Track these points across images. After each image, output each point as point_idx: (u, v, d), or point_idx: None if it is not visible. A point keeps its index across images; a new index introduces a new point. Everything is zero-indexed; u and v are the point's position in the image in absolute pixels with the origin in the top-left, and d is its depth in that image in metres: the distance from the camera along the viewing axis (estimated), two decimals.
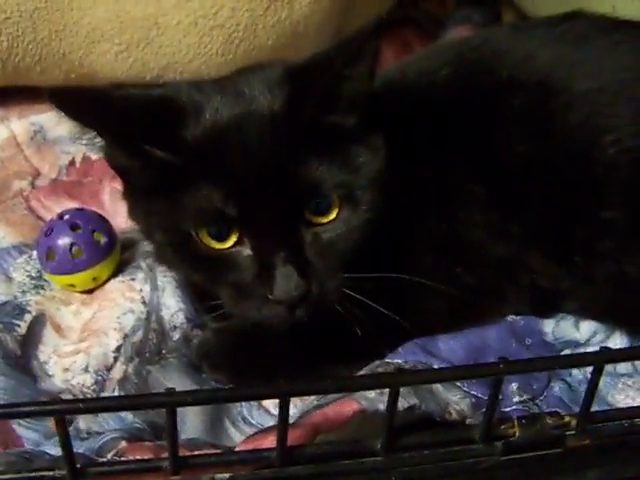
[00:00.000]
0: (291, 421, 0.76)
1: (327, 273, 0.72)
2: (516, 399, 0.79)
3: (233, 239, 0.71)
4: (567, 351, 0.86)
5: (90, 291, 0.93)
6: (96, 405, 0.56)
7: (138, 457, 0.64)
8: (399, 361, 0.79)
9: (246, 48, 1.21)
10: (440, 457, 0.64)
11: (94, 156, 1.15)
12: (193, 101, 0.73)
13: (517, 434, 0.65)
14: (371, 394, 0.69)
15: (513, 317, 0.87)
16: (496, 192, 0.83)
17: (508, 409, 0.78)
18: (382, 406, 0.68)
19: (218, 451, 0.65)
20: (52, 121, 1.16)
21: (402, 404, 0.68)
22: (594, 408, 0.77)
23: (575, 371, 0.84)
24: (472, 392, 0.77)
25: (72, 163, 1.14)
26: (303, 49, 1.25)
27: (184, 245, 0.73)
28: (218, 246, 0.72)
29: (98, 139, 1.09)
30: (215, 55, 1.20)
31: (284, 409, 0.57)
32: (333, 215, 0.72)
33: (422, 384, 0.68)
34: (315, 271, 0.71)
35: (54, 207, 1.05)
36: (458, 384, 0.77)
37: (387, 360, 0.80)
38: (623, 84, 0.83)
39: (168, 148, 0.70)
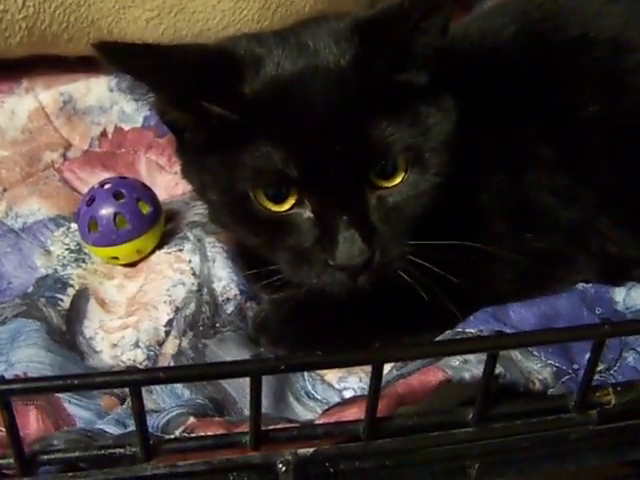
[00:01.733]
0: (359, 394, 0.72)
1: (392, 239, 0.68)
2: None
3: (291, 201, 0.67)
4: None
5: (133, 264, 0.88)
6: (177, 374, 0.51)
7: (210, 433, 0.60)
8: (472, 330, 0.75)
9: (283, 14, 1.16)
10: (533, 427, 0.60)
11: (126, 126, 1.11)
12: (253, 54, 0.68)
13: (612, 402, 0.61)
14: (455, 362, 0.65)
15: (583, 285, 0.82)
16: (566, 154, 0.78)
17: None
18: (467, 375, 0.64)
19: (298, 425, 0.60)
20: (81, 91, 1.11)
21: None
22: None
23: None
24: (549, 361, 0.73)
25: (104, 134, 1.09)
26: None
27: (240, 206, 0.68)
28: (276, 208, 0.67)
29: (129, 109, 1.09)
30: (250, 21, 1.15)
31: (376, 376, 0.53)
32: (399, 179, 0.68)
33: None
34: (379, 237, 0.67)
35: (89, 179, 1.00)
36: (536, 353, 0.73)
37: (459, 329, 0.76)
38: None
39: (226, 103, 0.65)
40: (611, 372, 0.76)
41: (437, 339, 0.74)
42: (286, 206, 0.67)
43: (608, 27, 0.80)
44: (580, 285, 0.82)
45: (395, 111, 0.66)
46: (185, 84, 0.65)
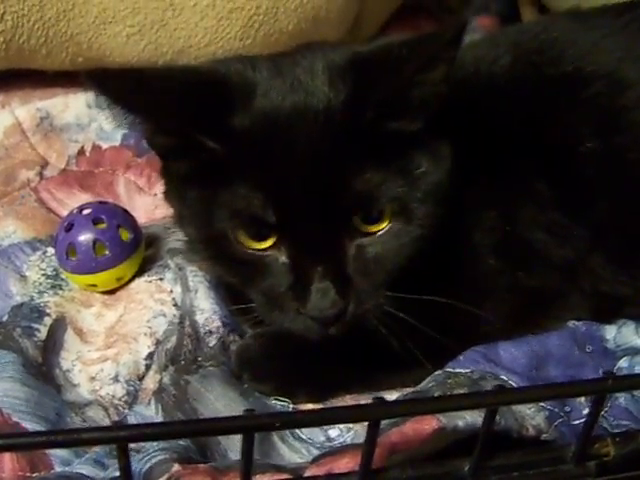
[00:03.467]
0: (347, 436, 0.70)
1: (368, 291, 0.66)
2: (585, 411, 0.73)
3: (270, 241, 0.65)
4: (627, 358, 0.81)
5: (112, 291, 0.85)
6: (166, 430, 0.48)
7: None
8: (462, 370, 0.74)
9: (266, 32, 1.14)
10: (530, 479, 0.59)
11: (105, 144, 1.07)
12: (245, 82, 0.65)
13: (612, 453, 0.59)
14: None
15: (574, 323, 0.81)
16: (561, 191, 0.77)
17: (577, 422, 0.72)
18: (461, 422, 0.62)
19: (289, 477, 0.58)
20: (58, 107, 1.08)
21: (480, 420, 0.63)
22: None
23: None
24: (541, 404, 0.71)
25: (82, 152, 1.06)
26: (324, 34, 1.19)
27: (217, 243, 0.67)
28: (254, 245, 0.65)
29: (108, 126, 1.06)
30: (233, 39, 1.12)
31: (372, 434, 0.51)
32: (383, 225, 0.66)
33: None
34: (355, 288, 0.65)
35: (66, 199, 0.97)
36: None
37: (448, 369, 0.74)
38: None
39: (213, 134, 0.63)
40: (603, 414, 0.75)
41: (428, 380, 0.72)
42: (265, 244, 0.65)
43: (604, 62, 0.79)
44: (571, 323, 0.81)
45: (384, 158, 0.64)
46: (175, 113, 0.63)
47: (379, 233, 0.66)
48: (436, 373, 0.73)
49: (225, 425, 0.49)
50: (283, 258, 0.65)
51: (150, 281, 0.85)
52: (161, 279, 0.84)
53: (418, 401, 0.58)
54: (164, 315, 0.80)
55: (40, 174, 1.01)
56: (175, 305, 0.81)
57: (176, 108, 0.63)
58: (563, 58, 0.80)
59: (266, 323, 0.74)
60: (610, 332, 0.82)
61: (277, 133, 0.63)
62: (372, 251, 0.65)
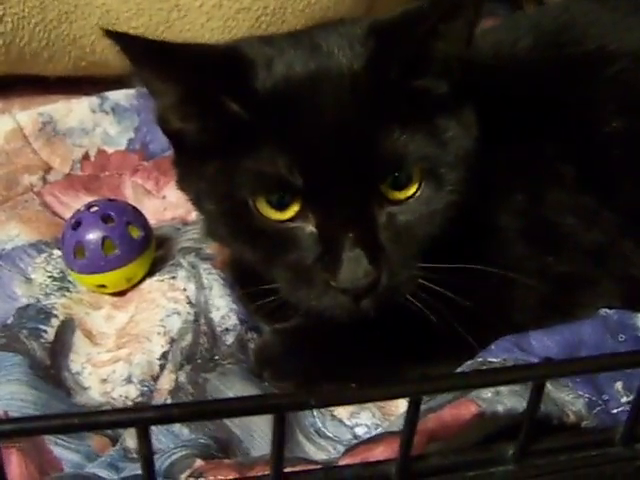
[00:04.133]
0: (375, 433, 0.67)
1: (401, 261, 0.63)
2: (623, 399, 0.70)
3: (294, 209, 0.61)
4: None
5: (122, 293, 0.82)
6: (193, 410, 0.45)
7: (221, 477, 0.53)
8: (494, 359, 0.70)
9: (274, 32, 1.11)
10: (577, 463, 0.55)
11: (110, 149, 1.04)
12: (264, 53, 0.63)
13: None
14: (487, 394, 0.59)
15: (606, 311, 0.77)
16: (588, 173, 0.74)
17: (615, 411, 0.69)
18: (500, 407, 0.59)
19: (319, 466, 0.54)
20: (61, 112, 1.05)
21: (522, 404, 0.59)
22: None
23: None
24: (580, 392, 0.68)
25: (86, 157, 1.03)
26: None
27: (238, 215, 0.63)
28: (277, 216, 0.62)
29: (113, 131, 1.04)
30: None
31: (414, 412, 0.47)
32: (412, 190, 0.63)
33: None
34: (387, 258, 0.61)
35: (72, 203, 0.94)
36: (568, 384, 0.68)
37: (480, 359, 0.70)
38: None
39: (238, 98, 0.61)
40: None
41: (461, 369, 0.68)
42: (289, 214, 0.61)
43: (628, 40, 0.77)
44: (602, 311, 0.77)
45: (411, 120, 0.61)
46: (198, 78, 0.61)
47: (410, 200, 0.62)
48: (468, 363, 0.69)
49: (257, 404, 0.45)
50: (310, 227, 0.61)
51: (162, 280, 0.81)
52: (173, 278, 0.81)
53: (463, 374, 0.53)
54: (178, 313, 0.77)
55: (43, 179, 0.99)
56: (189, 303, 0.78)
57: (201, 72, 0.61)
58: (585, 37, 0.78)
59: (287, 314, 0.70)
60: None
61: (301, 96, 0.61)
62: (403, 219, 0.62)
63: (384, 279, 0.61)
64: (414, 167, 0.62)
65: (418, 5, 0.62)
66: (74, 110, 1.05)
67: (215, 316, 0.77)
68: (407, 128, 0.61)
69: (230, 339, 0.76)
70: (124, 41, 0.58)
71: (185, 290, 0.79)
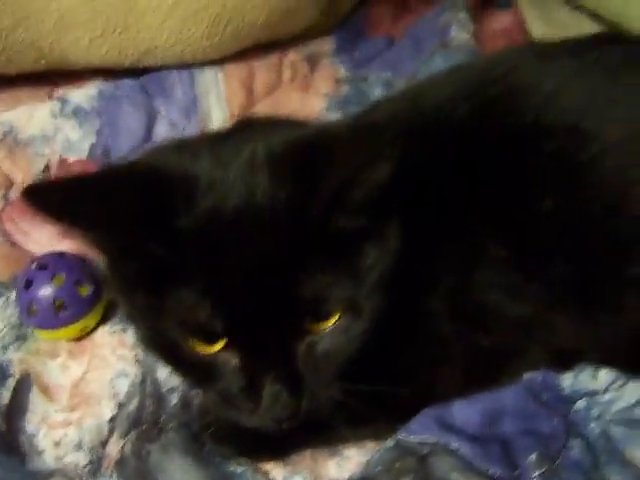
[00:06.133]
0: None
1: (320, 384, 0.65)
2: (536, 473, 0.75)
3: (221, 344, 0.63)
4: (584, 400, 0.82)
5: (78, 339, 0.86)
6: None
7: None
8: (412, 439, 0.75)
9: (234, 28, 1.10)
10: None
11: (71, 157, 1.05)
12: (186, 177, 0.62)
13: None
14: None
15: (530, 374, 0.81)
16: (518, 251, 0.75)
17: None
18: None
19: None
20: (22, 119, 1.05)
21: None
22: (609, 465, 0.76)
23: (593, 424, 0.80)
24: (490, 472, 0.74)
25: (48, 168, 1.04)
26: (295, 23, 1.17)
27: (168, 346, 0.65)
28: (205, 350, 0.63)
29: (74, 136, 1.04)
30: (200, 38, 1.09)
31: None
32: (332, 322, 0.64)
33: None
34: (307, 385, 0.64)
35: (32, 231, 0.96)
36: (477, 465, 0.74)
37: (401, 436, 0.76)
38: None
39: (157, 237, 0.60)
40: (554, 467, 0.76)
41: (377, 458, 0.74)
42: (215, 348, 0.63)
43: (566, 111, 0.75)
44: (526, 375, 0.81)
45: (331, 259, 0.62)
46: (118, 221, 0.60)
47: (328, 330, 0.64)
48: (387, 445, 0.75)
49: None
50: (234, 361, 0.64)
51: (114, 332, 0.86)
52: (124, 330, 0.85)
53: None
54: (126, 375, 0.82)
55: (5, 197, 1.00)
56: (137, 362, 0.82)
57: (119, 216, 0.60)
58: (524, 107, 0.76)
59: None
60: (567, 379, 0.82)
61: (221, 235, 0.60)
62: (321, 347, 0.64)
63: (304, 404, 0.64)
64: (334, 304, 0.63)
65: (339, 137, 0.61)
66: (35, 116, 1.05)
67: (161, 375, 0.82)
68: (328, 268, 0.61)
69: (174, 400, 0.81)
70: (33, 200, 0.57)
71: (133, 348, 0.83)
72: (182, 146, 0.68)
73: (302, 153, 0.62)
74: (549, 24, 1.37)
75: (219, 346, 0.63)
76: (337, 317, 0.64)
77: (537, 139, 0.75)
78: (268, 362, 0.62)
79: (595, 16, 1.35)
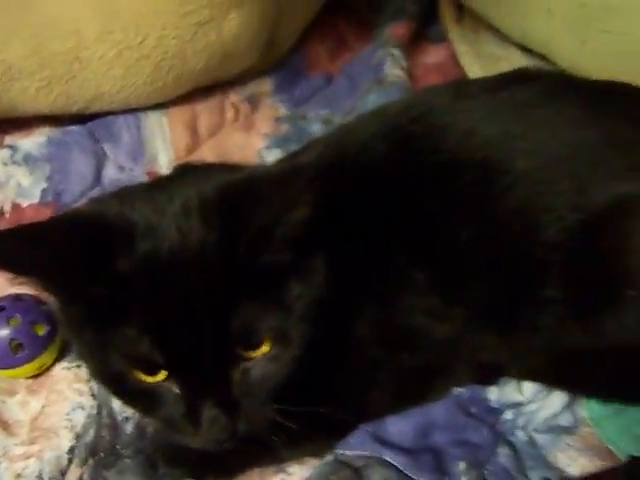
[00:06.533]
0: None
1: (255, 409, 0.71)
2: (464, 479, 0.82)
3: (162, 375, 0.69)
4: (510, 412, 0.89)
5: (36, 376, 0.91)
6: None
7: None
8: (350, 454, 0.82)
9: (176, 74, 1.16)
10: None
11: (24, 203, 1.10)
12: (125, 224, 0.68)
13: None
14: None
15: (458, 389, 0.88)
16: (438, 277, 0.82)
17: None
18: None
19: None
20: None
21: None
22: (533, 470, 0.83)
23: (519, 432, 0.87)
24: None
25: (1, 213, 1.09)
26: (235, 66, 1.22)
27: (115, 377, 0.70)
28: (148, 380, 0.69)
29: (26, 182, 1.09)
30: (143, 85, 1.15)
31: None
32: (264, 350, 0.70)
33: None
34: (243, 409, 0.70)
35: None
36: (410, 475, 0.81)
37: (339, 451, 0.82)
38: (561, 161, 0.82)
39: (99, 281, 0.66)
40: (484, 474, 0.83)
41: (316, 472, 0.80)
42: (158, 378, 0.69)
43: (478, 149, 0.82)
44: (455, 390, 0.88)
45: (259, 293, 0.67)
46: (61, 268, 0.66)
47: (261, 357, 0.70)
48: (326, 460, 0.81)
49: None
50: (175, 389, 0.69)
51: (69, 368, 0.90)
52: (79, 366, 0.90)
53: None
54: (82, 408, 0.86)
55: None
56: (92, 395, 0.88)
57: (62, 263, 0.65)
58: (439, 146, 0.83)
59: None
60: (493, 392, 0.89)
61: (158, 277, 0.66)
62: (255, 374, 0.70)
63: (241, 427, 0.70)
64: (264, 335, 0.69)
65: (263, 180, 0.68)
66: None
67: (116, 405, 0.87)
68: (256, 300, 0.67)
69: (129, 428, 0.86)
70: None
71: (89, 381, 0.88)
72: (122, 195, 0.74)
73: (230, 198, 0.68)
74: (480, 57, 1.43)
75: (161, 377, 0.69)
76: (268, 346, 0.70)
77: (454, 174, 0.82)
78: (206, 389, 0.68)
79: (524, 49, 1.44)
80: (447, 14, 1.46)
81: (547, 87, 0.88)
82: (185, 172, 0.77)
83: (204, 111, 1.22)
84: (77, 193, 1.12)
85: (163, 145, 1.17)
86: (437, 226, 0.82)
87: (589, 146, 0.83)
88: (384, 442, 0.83)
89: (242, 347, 0.69)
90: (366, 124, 0.90)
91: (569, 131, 0.84)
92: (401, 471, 0.81)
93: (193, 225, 0.67)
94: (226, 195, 0.69)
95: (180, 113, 1.20)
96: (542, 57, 1.42)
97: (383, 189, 0.82)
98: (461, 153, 0.83)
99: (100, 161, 1.15)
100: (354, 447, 0.82)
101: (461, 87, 0.91)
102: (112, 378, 0.71)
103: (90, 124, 1.18)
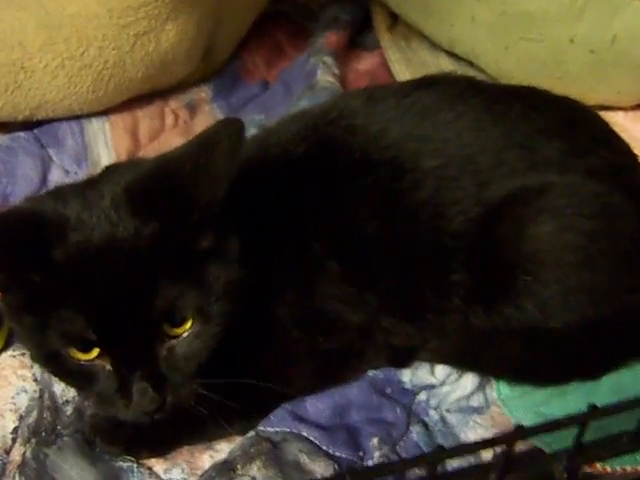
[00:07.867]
0: None
1: (181, 383, 0.79)
2: (377, 454, 0.90)
3: (96, 352, 0.77)
4: (424, 393, 0.97)
5: None
6: None
7: None
8: (271, 429, 0.90)
9: (116, 83, 1.23)
10: None
11: None
12: (59, 217, 0.76)
13: None
14: None
15: (373, 372, 0.96)
16: (350, 267, 0.90)
17: (370, 462, 0.89)
18: None
19: None
20: None
21: None
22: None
23: (432, 412, 0.96)
24: (337, 454, 0.89)
25: None
26: (174, 74, 1.30)
27: (54, 358, 0.78)
28: (83, 357, 0.77)
29: None
30: (86, 93, 1.22)
31: None
32: (187, 327, 0.78)
33: None
34: (170, 383, 0.78)
35: None
36: (325, 448, 0.89)
37: (260, 428, 0.90)
38: (464, 159, 0.92)
39: (36, 269, 0.74)
40: (395, 449, 0.91)
41: (238, 445, 0.89)
42: (91, 355, 0.77)
43: (386, 149, 0.92)
44: (370, 372, 0.96)
45: (181, 273, 0.76)
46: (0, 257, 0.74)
47: (184, 335, 0.78)
48: (248, 435, 0.89)
49: None
50: (108, 366, 0.78)
51: (14, 356, 0.98)
52: (23, 354, 0.98)
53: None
54: (25, 391, 0.94)
55: None
56: (35, 380, 0.95)
57: (1, 254, 0.74)
58: (352, 146, 0.92)
59: None
60: (406, 375, 0.97)
61: (89, 263, 0.75)
62: (180, 351, 0.79)
63: (169, 399, 0.78)
64: (186, 313, 0.78)
65: (181, 161, 0.76)
66: None
67: (57, 389, 0.95)
68: (178, 282, 0.76)
69: (69, 410, 0.94)
70: None
71: (32, 367, 0.96)
72: (56, 193, 0.82)
73: (151, 185, 0.77)
74: (410, 64, 1.52)
75: (94, 354, 0.77)
76: (191, 323, 0.78)
77: (365, 171, 0.91)
78: (135, 365, 0.77)
79: (454, 56, 1.53)
80: (380, 23, 1.55)
81: (452, 91, 0.98)
82: (113, 170, 0.85)
83: (145, 117, 1.30)
84: (24, 196, 1.18)
85: (106, 150, 1.25)
86: (349, 219, 0.91)
87: (489, 145, 0.93)
88: (302, 419, 0.91)
89: (167, 325, 0.77)
90: (287, 126, 0.99)
91: (471, 131, 0.94)
92: (317, 445, 0.89)
93: (121, 216, 0.76)
94: (145, 186, 0.77)
95: (122, 119, 1.28)
96: (470, 64, 1.51)
97: (301, 185, 0.92)
98: (372, 152, 0.92)
99: (46, 165, 1.22)
100: (274, 424, 0.90)
101: (373, 92, 1.00)
102: (51, 358, 0.79)
103: (36, 130, 1.26)
